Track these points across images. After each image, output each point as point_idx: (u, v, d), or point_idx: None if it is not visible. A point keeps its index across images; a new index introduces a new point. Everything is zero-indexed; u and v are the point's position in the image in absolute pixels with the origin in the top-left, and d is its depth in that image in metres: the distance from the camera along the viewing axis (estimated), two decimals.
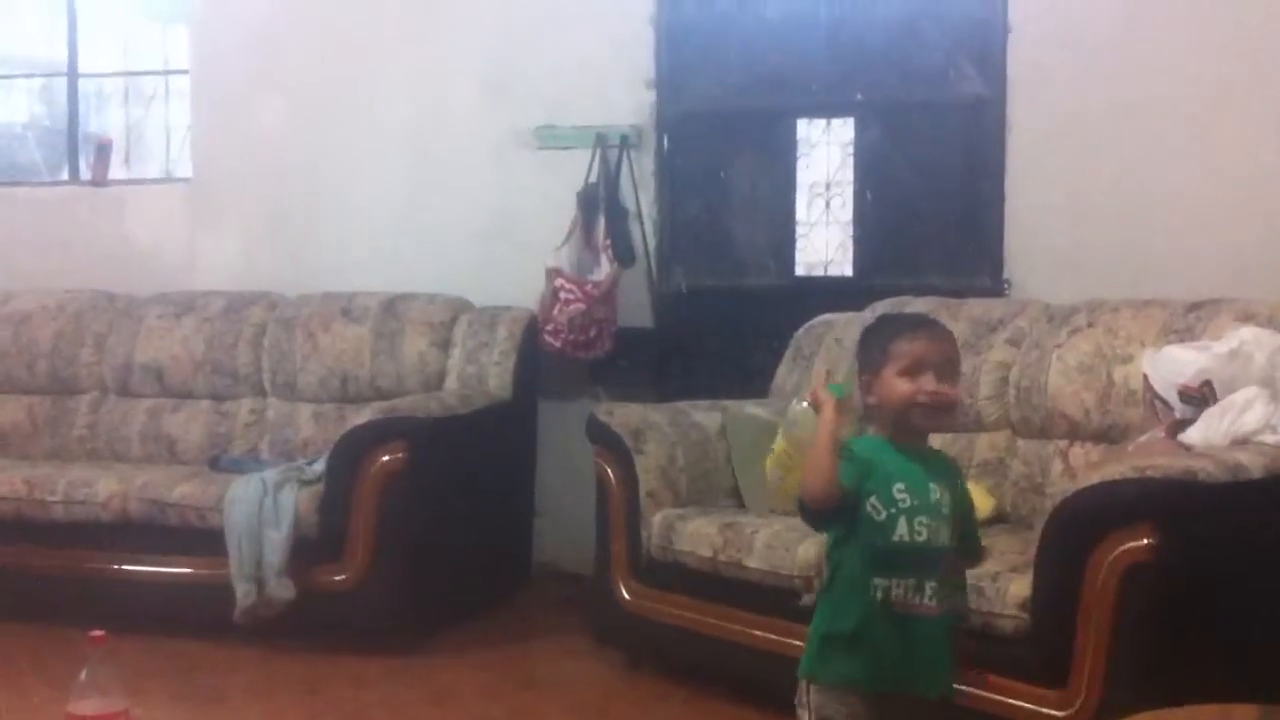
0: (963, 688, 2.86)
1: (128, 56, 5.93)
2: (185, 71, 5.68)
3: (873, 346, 2.40)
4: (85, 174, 5.84)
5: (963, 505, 2.41)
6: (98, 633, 2.75)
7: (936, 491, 2.32)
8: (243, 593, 4.05)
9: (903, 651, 2.29)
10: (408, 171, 5.29)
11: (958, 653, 2.44)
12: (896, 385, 2.32)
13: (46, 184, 5.98)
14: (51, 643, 4.07)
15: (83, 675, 2.75)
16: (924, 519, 2.29)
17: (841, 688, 2.32)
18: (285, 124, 5.43)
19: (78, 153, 5.89)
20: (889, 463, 2.32)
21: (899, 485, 2.29)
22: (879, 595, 2.28)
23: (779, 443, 3.05)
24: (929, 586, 2.28)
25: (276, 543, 4.05)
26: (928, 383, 2.30)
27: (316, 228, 5.38)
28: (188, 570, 4.25)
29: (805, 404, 2.40)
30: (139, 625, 3.97)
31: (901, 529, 2.28)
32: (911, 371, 2.31)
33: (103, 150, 5.81)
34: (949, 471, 2.43)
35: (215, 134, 5.58)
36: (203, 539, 4.18)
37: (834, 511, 2.31)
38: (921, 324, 2.45)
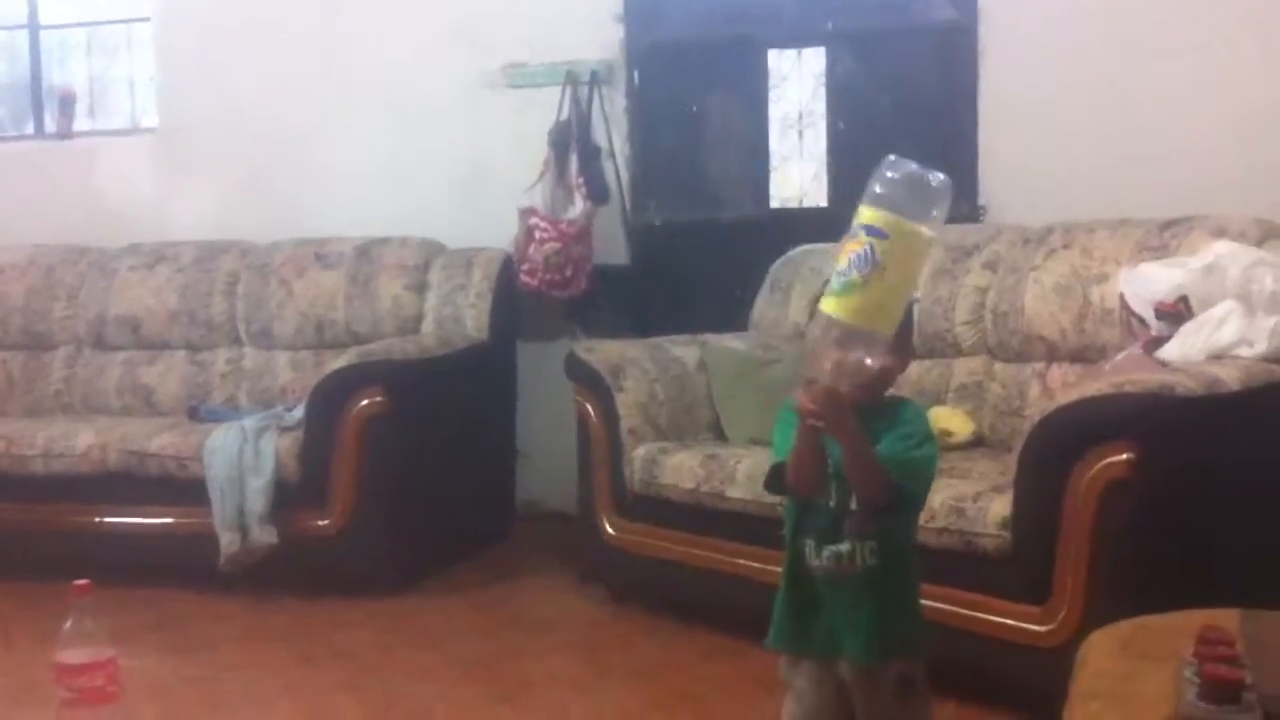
0: (939, 604, 2.89)
1: (89, 6, 5.84)
2: (147, 19, 5.60)
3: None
4: (50, 127, 5.78)
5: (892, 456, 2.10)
6: (82, 581, 2.75)
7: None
8: (227, 541, 4.05)
9: (811, 613, 2.18)
10: (376, 115, 5.25)
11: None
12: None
13: (11, 138, 5.91)
14: (35, 598, 4.04)
15: (68, 624, 2.75)
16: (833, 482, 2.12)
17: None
18: (250, 70, 5.37)
19: (42, 106, 5.82)
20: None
21: None
22: (802, 556, 2.17)
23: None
24: (841, 549, 2.11)
25: (258, 490, 4.04)
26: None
27: (286, 175, 5.34)
28: (170, 520, 4.25)
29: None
30: (123, 577, 3.94)
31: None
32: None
33: (66, 103, 5.75)
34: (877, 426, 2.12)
35: (180, 83, 5.52)
36: (184, 489, 4.18)
37: None
38: None
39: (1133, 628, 1.92)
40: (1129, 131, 4.21)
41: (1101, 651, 1.83)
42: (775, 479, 2.17)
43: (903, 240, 1.97)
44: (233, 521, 4.05)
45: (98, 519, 4.31)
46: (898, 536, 2.17)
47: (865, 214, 1.98)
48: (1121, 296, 3.35)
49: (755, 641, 3.45)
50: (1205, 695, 1.53)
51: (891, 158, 2.01)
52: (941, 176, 2.00)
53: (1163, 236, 3.51)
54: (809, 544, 2.14)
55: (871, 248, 1.95)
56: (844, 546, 2.11)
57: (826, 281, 2.04)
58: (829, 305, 1.99)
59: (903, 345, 2.14)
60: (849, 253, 1.97)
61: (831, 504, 2.11)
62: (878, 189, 1.98)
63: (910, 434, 2.11)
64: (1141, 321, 3.23)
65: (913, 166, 2.00)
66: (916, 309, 3.77)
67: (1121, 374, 2.89)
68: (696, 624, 3.73)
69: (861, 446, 2.04)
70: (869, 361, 1.98)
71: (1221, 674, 1.53)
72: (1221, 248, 3.23)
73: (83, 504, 4.33)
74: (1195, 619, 1.82)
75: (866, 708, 2.16)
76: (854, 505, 2.09)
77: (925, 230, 1.99)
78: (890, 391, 2.19)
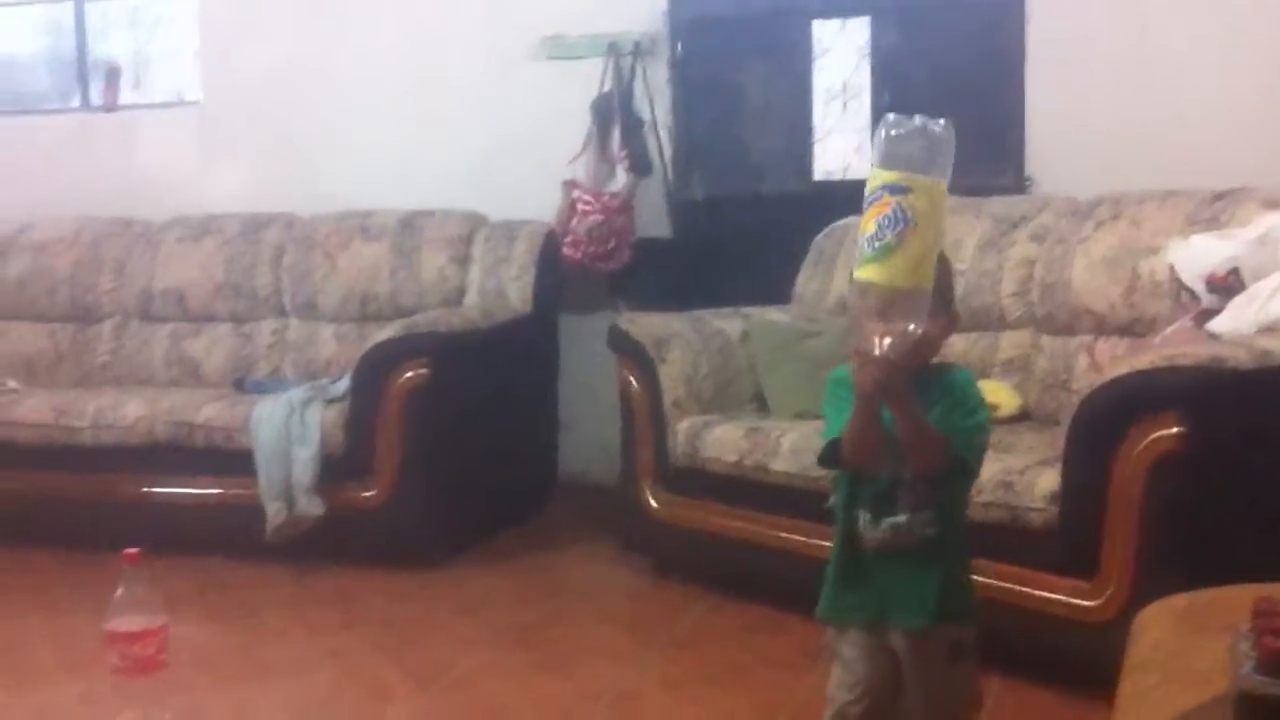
0: (986, 579, 2.88)
1: None
2: None
3: None
4: (96, 100, 5.82)
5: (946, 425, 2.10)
6: (131, 551, 2.78)
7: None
8: (273, 511, 4.07)
9: (864, 584, 2.17)
10: (418, 88, 5.25)
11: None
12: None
13: (57, 111, 5.95)
14: (84, 568, 4.11)
15: (119, 593, 2.78)
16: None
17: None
18: (292, 43, 5.38)
19: (87, 79, 5.86)
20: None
21: None
22: (856, 528, 2.15)
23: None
24: (897, 521, 2.10)
25: (305, 461, 4.07)
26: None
27: (328, 147, 5.35)
28: (217, 491, 4.28)
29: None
30: (170, 547, 3.95)
31: None
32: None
33: (112, 75, 5.78)
34: (927, 394, 2.09)
35: (223, 56, 5.54)
36: (231, 460, 4.20)
37: None
38: None
39: (1187, 601, 1.91)
40: (1179, 102, 4.16)
41: (1156, 625, 1.82)
42: (830, 454, 2.14)
43: (925, 193, 1.97)
44: (279, 492, 4.08)
45: (146, 489, 4.34)
46: (953, 506, 2.16)
47: (882, 176, 1.98)
48: (1172, 269, 3.31)
49: (799, 614, 3.47)
50: (1262, 668, 1.51)
51: (890, 116, 2.00)
52: (942, 122, 1.99)
53: (1213, 208, 3.47)
54: (864, 516, 2.13)
55: (899, 206, 1.95)
56: (901, 518, 2.09)
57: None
58: (869, 273, 1.98)
59: (945, 306, 2.12)
60: (875, 217, 1.97)
61: (887, 476, 2.10)
62: (887, 149, 1.99)
63: (962, 400, 2.10)
64: (1192, 294, 3.20)
65: (914, 120, 1.99)
66: (957, 274, 3.76)
67: (1171, 347, 2.86)
68: (739, 596, 3.73)
69: (920, 419, 2.03)
70: (912, 327, 1.97)
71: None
72: (1273, 219, 3.20)
73: (131, 475, 4.36)
74: (1250, 593, 1.80)
75: (917, 674, 2.15)
76: (908, 476, 2.08)
77: (940, 181, 1.99)
78: (936, 359, 2.17)
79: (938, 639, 2.14)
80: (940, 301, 2.07)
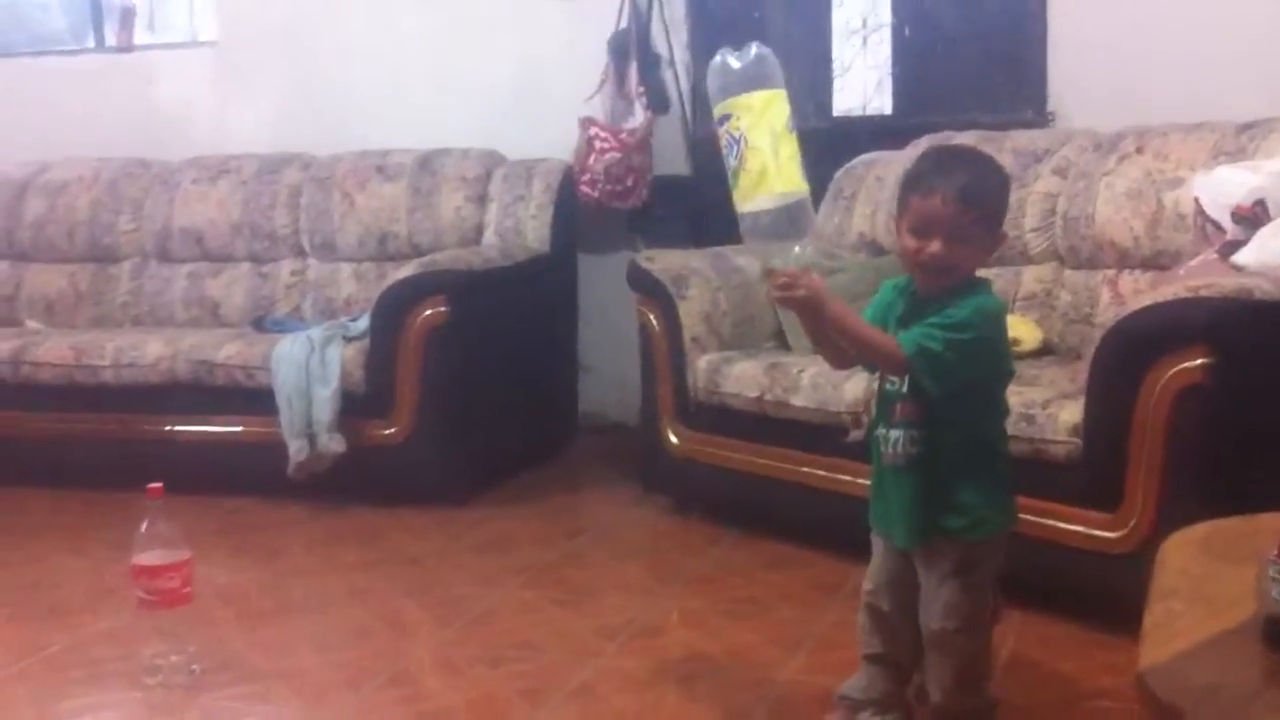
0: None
1: None
2: None
3: (900, 190, 2.23)
4: (110, 41, 5.79)
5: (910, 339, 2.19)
6: (154, 485, 2.80)
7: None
8: (295, 449, 4.08)
9: (881, 495, 2.31)
10: (434, 25, 5.20)
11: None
12: (905, 241, 2.17)
13: (72, 52, 5.92)
14: (107, 506, 4.14)
15: (143, 527, 2.81)
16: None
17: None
18: None
19: (102, 20, 5.83)
20: (887, 311, 2.26)
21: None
22: (877, 441, 2.28)
23: None
24: (894, 434, 2.22)
25: (325, 399, 4.07)
26: (930, 246, 2.13)
27: (344, 86, 5.32)
28: (238, 429, 4.29)
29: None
30: (192, 486, 3.96)
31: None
32: (918, 231, 2.14)
33: (127, 16, 5.75)
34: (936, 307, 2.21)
35: None
36: (251, 398, 4.21)
37: None
38: (937, 181, 2.14)
39: (1211, 530, 1.91)
40: (1201, 36, 4.09)
41: (1180, 553, 1.82)
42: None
43: (744, 110, 2.15)
44: (300, 430, 4.09)
45: (167, 428, 4.36)
46: (944, 427, 2.19)
47: (714, 114, 2.20)
48: (1196, 201, 3.28)
49: (818, 549, 3.50)
50: None
51: (716, 59, 2.19)
52: (753, 48, 2.19)
53: (1239, 139, 3.43)
54: (881, 429, 2.25)
55: (729, 133, 2.16)
56: (892, 433, 2.21)
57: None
58: (740, 206, 2.18)
59: (989, 227, 2.18)
60: (723, 154, 2.19)
61: (891, 388, 2.22)
62: (711, 90, 2.21)
63: (949, 315, 2.13)
64: (1217, 226, 3.16)
65: (727, 56, 2.20)
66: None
67: (1196, 278, 2.84)
68: (759, 532, 3.74)
69: (840, 320, 2.15)
70: (798, 250, 2.17)
71: None
72: None
73: (152, 414, 4.38)
74: (1272, 521, 1.80)
75: (923, 581, 2.26)
76: (904, 390, 2.18)
77: (758, 91, 2.17)
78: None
79: (942, 552, 2.23)
80: (985, 222, 2.15)
